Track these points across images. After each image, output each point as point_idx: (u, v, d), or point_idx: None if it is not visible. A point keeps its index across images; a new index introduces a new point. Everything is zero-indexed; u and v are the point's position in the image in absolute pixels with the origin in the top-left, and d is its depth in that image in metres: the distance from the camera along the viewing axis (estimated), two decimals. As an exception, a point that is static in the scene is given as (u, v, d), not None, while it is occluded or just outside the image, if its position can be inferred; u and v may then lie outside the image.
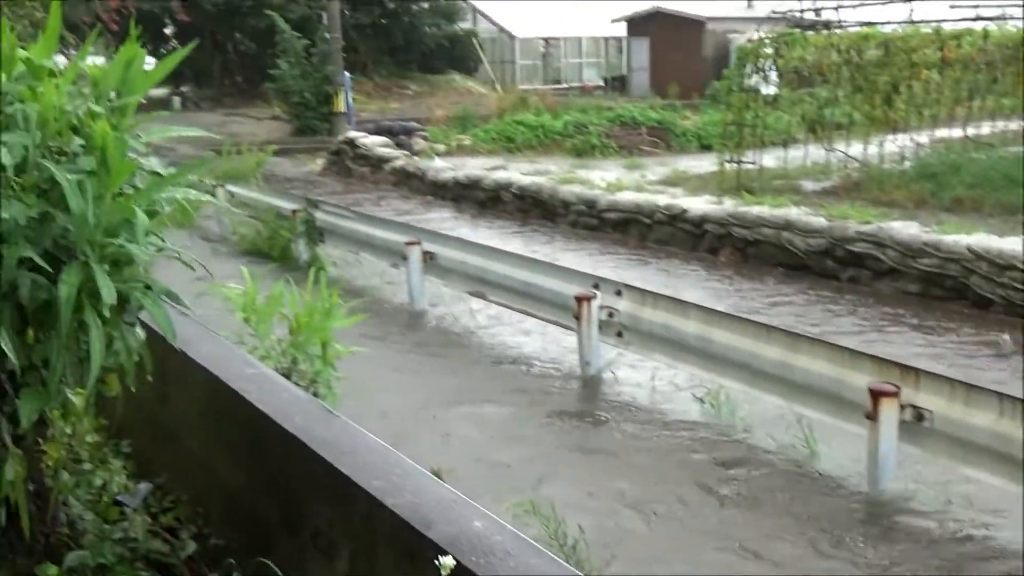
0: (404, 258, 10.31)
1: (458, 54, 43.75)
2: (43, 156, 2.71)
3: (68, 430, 3.70)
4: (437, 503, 2.56)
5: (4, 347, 2.58)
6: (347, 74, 29.78)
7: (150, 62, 3.01)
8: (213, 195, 14.37)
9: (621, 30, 41.87)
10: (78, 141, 2.81)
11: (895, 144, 17.92)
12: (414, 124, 26.25)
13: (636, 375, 8.11)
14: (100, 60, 3.08)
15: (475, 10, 46.85)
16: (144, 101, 2.95)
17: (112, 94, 2.90)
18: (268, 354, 4.96)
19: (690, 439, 6.78)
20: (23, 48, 2.81)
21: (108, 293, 2.60)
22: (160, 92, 41.41)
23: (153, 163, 3.08)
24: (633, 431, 6.94)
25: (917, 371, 5.80)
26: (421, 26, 42.48)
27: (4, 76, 2.71)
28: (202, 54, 40.49)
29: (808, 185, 16.43)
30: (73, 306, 2.58)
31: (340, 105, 28.63)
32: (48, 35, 2.81)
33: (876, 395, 5.72)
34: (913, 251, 10.64)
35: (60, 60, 2.93)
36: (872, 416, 5.73)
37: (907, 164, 16.95)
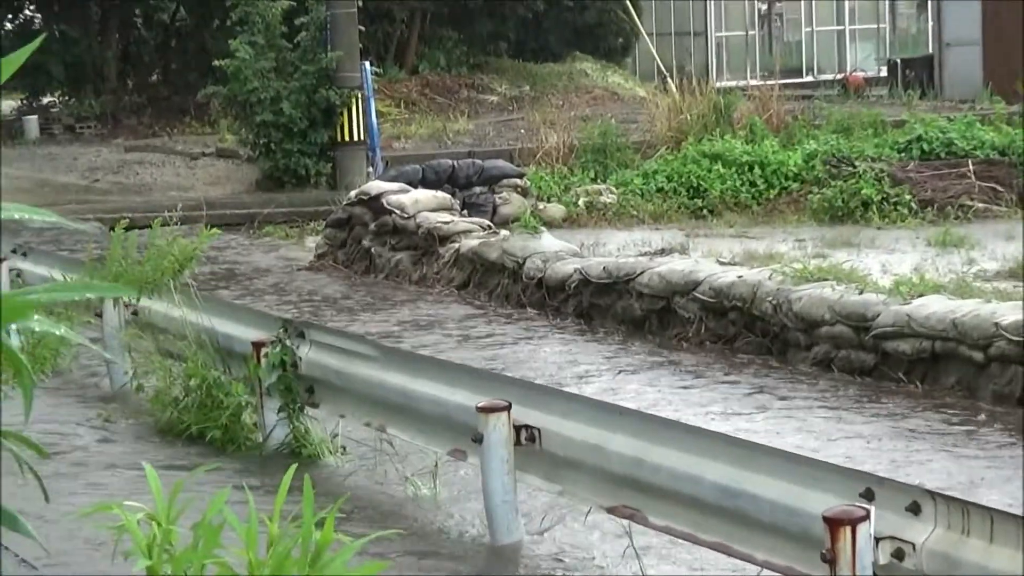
0: (477, 440, 10.36)
1: (589, 23, 44.41)
2: None
3: None
4: None
5: None
6: (368, 65, 30.39)
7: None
8: (94, 318, 14.72)
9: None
10: None
11: None
12: (501, 164, 26.58)
13: None
14: None
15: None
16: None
17: None
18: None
19: None
20: None
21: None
22: (4, 107, 42.82)
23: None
24: None
25: None
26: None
27: None
28: (85, 36, 41.89)
29: None
30: None
31: (353, 128, 29.19)
32: None
33: None
34: None
35: None
36: None
37: None
